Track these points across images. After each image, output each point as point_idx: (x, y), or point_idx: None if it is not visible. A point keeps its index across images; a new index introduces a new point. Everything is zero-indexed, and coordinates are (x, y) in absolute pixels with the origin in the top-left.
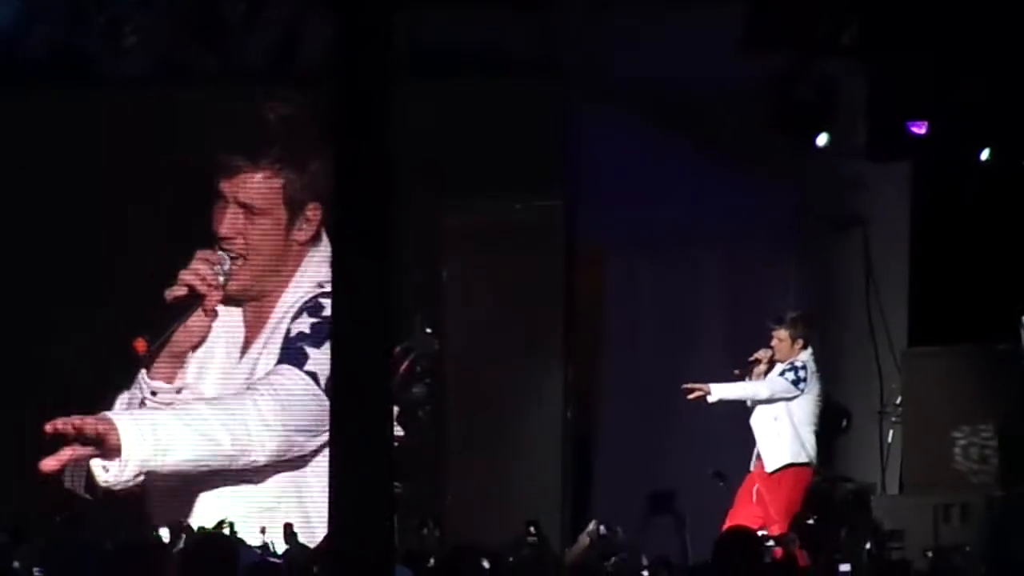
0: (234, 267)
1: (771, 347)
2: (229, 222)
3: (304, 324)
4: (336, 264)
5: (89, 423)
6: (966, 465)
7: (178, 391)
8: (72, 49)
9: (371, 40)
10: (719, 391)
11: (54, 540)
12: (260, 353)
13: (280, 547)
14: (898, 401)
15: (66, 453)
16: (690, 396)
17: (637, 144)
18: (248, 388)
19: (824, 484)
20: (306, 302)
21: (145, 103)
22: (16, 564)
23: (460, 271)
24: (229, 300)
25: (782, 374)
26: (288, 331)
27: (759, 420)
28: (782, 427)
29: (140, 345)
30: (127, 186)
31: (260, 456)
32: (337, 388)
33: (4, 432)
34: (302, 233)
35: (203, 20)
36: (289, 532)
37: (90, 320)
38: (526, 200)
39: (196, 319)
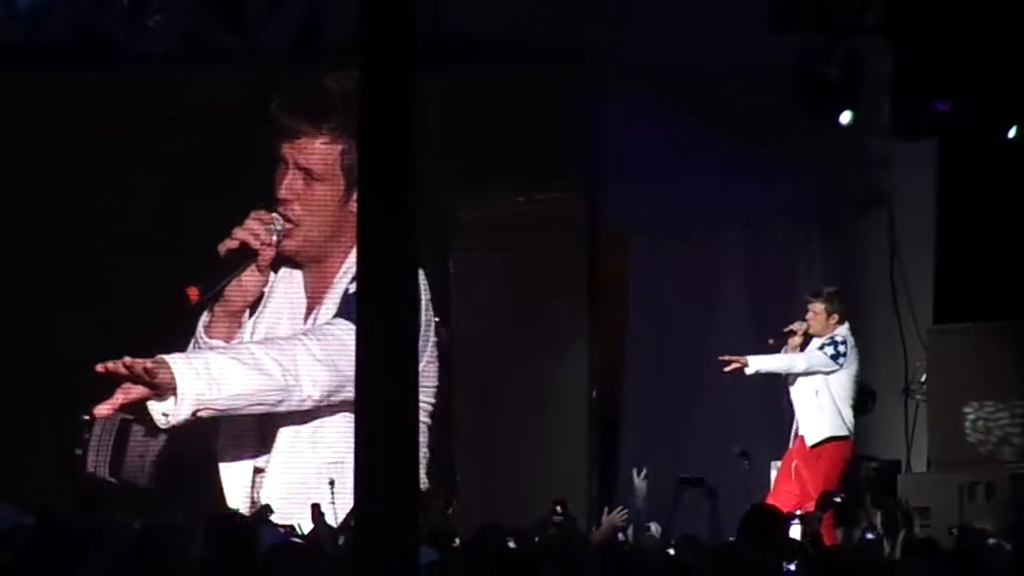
0: (289, 230)
1: (806, 320)
2: (287, 185)
3: None
4: (361, 244)
5: (139, 361)
6: (975, 437)
7: None
8: (100, 27)
9: (395, 22)
10: (756, 363)
11: (80, 523)
12: (321, 316)
13: (307, 527)
14: (923, 379)
15: (119, 397)
16: (727, 368)
17: (661, 125)
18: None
19: (851, 462)
20: None
21: (200, 73)
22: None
23: (473, 260)
24: (288, 263)
25: (821, 348)
26: (346, 290)
27: (800, 395)
28: (823, 402)
29: (192, 293)
30: (190, 150)
31: (313, 390)
32: (362, 368)
33: (34, 413)
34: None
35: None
36: (317, 512)
37: (144, 283)
38: (542, 188)
39: (250, 276)
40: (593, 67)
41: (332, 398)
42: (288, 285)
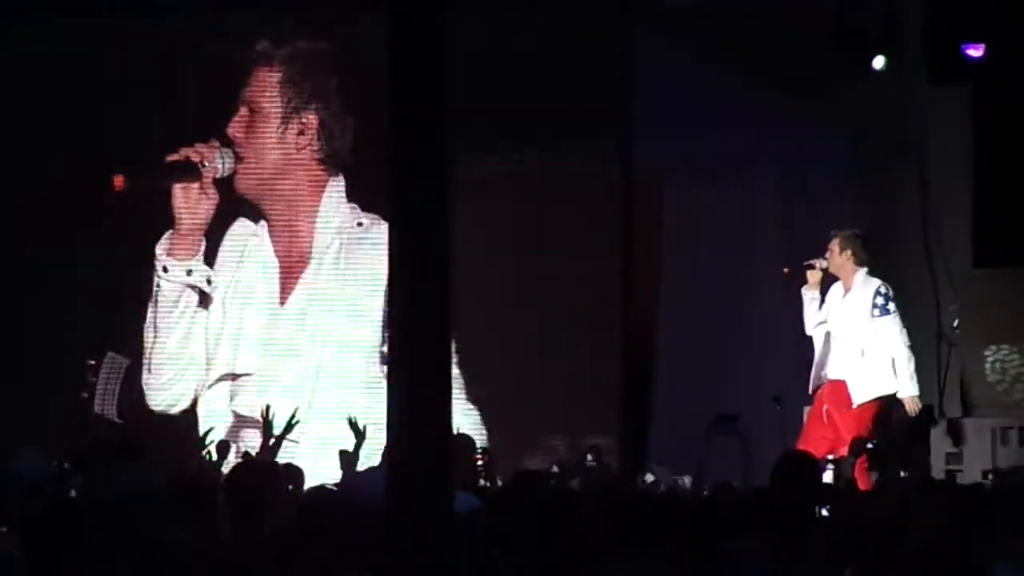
0: (239, 167)
1: (826, 257)
2: (236, 123)
3: None
4: (393, 187)
5: None
6: (993, 378)
7: (188, 272)
8: None
9: None
10: (910, 390)
11: (111, 471)
12: (305, 309)
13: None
14: (956, 324)
15: None
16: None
17: (694, 71)
18: None
19: (884, 407)
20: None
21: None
22: (73, 493)
23: (502, 210)
24: (245, 203)
25: (884, 312)
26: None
27: (843, 355)
28: (872, 360)
29: (118, 180)
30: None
31: None
32: (396, 311)
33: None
34: (302, 138)
35: None
36: (345, 459)
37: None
38: (573, 135)
39: (198, 195)
40: (625, 11)
41: None
42: (259, 250)
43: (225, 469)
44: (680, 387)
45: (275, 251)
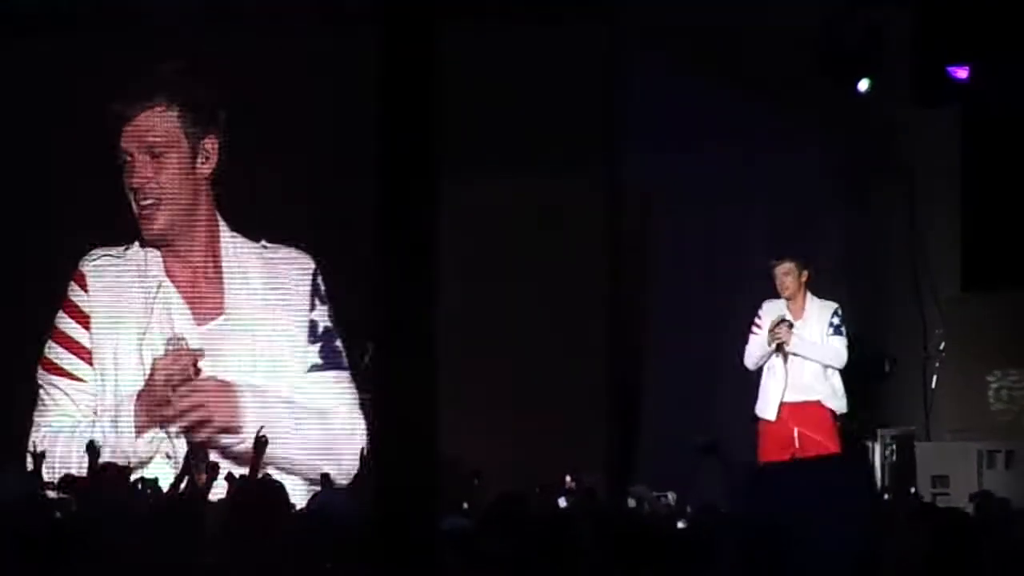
0: (150, 213)
1: (779, 286)
2: (138, 172)
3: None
4: (380, 206)
5: None
6: (997, 406)
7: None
8: None
9: None
10: (801, 347)
11: (97, 494)
12: (227, 332)
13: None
14: (942, 347)
15: None
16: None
17: (682, 89)
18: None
19: (868, 430)
20: (313, 330)
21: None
22: (58, 514)
23: (489, 230)
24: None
25: (837, 332)
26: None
27: (809, 378)
28: (834, 380)
29: None
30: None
31: None
32: (382, 332)
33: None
34: (205, 166)
35: None
36: (327, 481)
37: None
38: (559, 154)
39: None
40: (614, 28)
41: None
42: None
43: (214, 488)
44: (668, 406)
45: (183, 276)
